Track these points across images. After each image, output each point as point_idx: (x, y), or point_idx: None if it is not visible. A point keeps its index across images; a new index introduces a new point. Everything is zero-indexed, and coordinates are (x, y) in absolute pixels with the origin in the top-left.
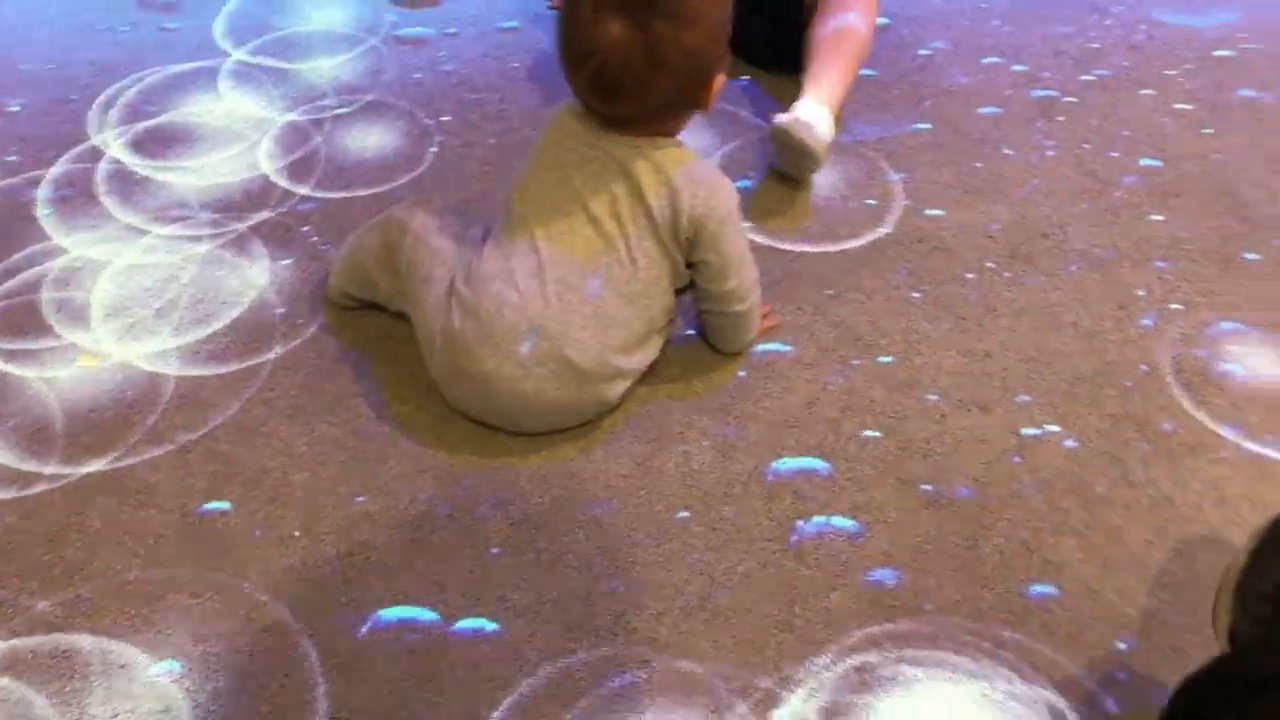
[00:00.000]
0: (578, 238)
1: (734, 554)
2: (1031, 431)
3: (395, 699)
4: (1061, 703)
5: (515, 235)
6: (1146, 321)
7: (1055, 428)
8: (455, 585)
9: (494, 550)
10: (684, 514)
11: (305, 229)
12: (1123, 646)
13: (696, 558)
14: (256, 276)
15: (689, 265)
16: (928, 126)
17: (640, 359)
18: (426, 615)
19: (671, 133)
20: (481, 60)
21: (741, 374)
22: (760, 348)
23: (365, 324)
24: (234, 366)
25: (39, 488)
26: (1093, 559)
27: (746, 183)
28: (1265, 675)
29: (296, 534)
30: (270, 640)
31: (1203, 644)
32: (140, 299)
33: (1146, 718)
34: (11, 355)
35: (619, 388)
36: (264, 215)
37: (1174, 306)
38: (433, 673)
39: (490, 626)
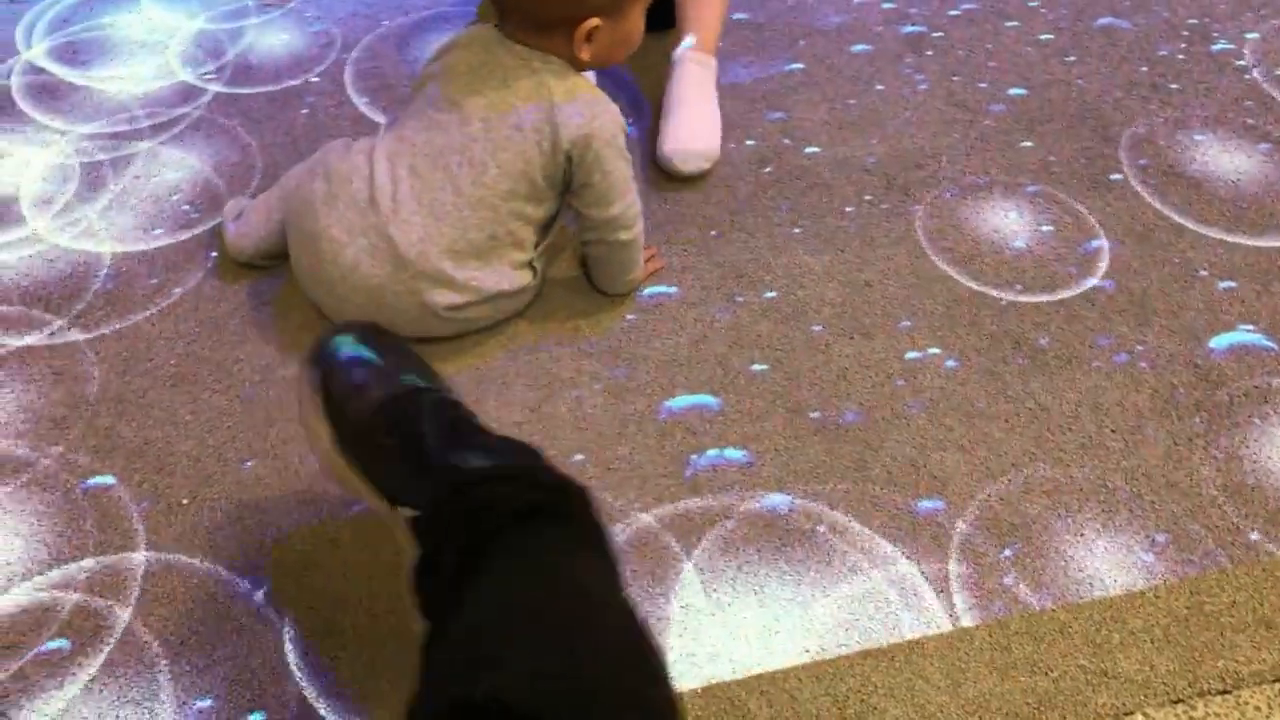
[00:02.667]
0: (439, 132)
1: (631, 491)
2: (913, 355)
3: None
4: (953, 602)
5: (394, 124)
6: (1019, 244)
7: (936, 350)
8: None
9: None
10: (579, 456)
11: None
12: (1008, 553)
13: (594, 497)
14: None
15: (570, 191)
16: (802, 66)
17: (476, 276)
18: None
19: (564, 57)
20: (350, 19)
21: (630, 317)
22: (646, 290)
23: (243, 289)
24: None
25: None
26: (976, 471)
27: (631, 130)
28: None
29: (185, 502)
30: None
31: (1082, 545)
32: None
33: (1030, 616)
34: None
35: (445, 297)
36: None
37: (1045, 228)
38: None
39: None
